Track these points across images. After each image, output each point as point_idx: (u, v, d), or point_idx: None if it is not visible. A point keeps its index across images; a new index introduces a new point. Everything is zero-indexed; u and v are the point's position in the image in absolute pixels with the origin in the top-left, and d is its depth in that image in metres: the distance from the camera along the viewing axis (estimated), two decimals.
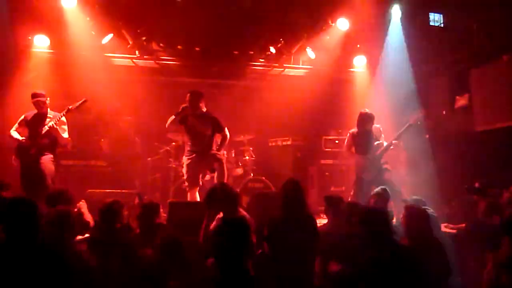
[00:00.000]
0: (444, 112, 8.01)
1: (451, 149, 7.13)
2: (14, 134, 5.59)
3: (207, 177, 6.55)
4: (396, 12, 7.73)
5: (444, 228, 5.02)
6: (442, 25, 8.49)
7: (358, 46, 8.25)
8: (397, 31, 7.86)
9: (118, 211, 3.87)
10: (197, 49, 7.94)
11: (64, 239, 3.27)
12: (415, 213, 3.73)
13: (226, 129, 5.83)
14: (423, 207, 4.12)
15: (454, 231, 4.93)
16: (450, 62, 8.06)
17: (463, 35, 7.75)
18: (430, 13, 8.41)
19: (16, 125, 5.64)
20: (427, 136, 7.72)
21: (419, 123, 5.93)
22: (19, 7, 6.67)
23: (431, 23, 8.50)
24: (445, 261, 3.51)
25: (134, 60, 8.08)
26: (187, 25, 7.46)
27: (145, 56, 8.04)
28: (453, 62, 8.01)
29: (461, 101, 7.60)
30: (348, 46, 8.22)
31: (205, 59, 8.11)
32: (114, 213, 3.83)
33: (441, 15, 8.47)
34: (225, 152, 6.79)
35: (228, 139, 5.91)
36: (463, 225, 4.86)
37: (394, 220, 5.15)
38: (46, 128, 5.49)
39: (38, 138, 5.50)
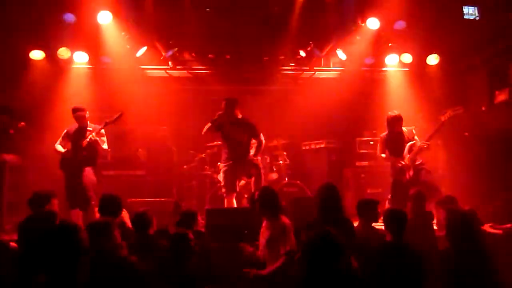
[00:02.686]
0: (483, 108, 7.73)
1: (492, 146, 6.86)
2: (58, 147, 5.85)
3: (242, 182, 6.63)
4: (427, 7, 7.53)
5: (489, 228, 4.85)
6: (477, 18, 8.20)
7: (390, 44, 8.10)
8: (430, 26, 7.67)
9: (149, 219, 4.05)
10: (227, 56, 8.05)
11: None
12: (452, 216, 3.63)
13: (261, 134, 5.88)
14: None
15: (500, 231, 4.75)
16: (488, 56, 7.77)
17: (500, 27, 7.46)
18: (464, 7, 8.15)
19: (60, 138, 5.90)
20: (466, 133, 7.48)
21: (452, 119, 5.75)
22: (58, 26, 7.01)
23: (466, 17, 8.23)
24: (490, 265, 3.40)
25: (167, 71, 8.30)
26: (216, 34, 7.59)
27: (178, 67, 8.25)
28: (491, 55, 7.72)
29: (501, 96, 7.32)
30: (380, 45, 8.08)
31: (236, 66, 8.21)
32: (145, 221, 4.01)
33: (476, 8, 8.18)
34: (259, 158, 6.82)
35: (263, 145, 5.95)
36: (509, 225, 4.68)
37: (435, 221, 5.05)
38: (87, 141, 5.70)
39: (80, 151, 5.71)
